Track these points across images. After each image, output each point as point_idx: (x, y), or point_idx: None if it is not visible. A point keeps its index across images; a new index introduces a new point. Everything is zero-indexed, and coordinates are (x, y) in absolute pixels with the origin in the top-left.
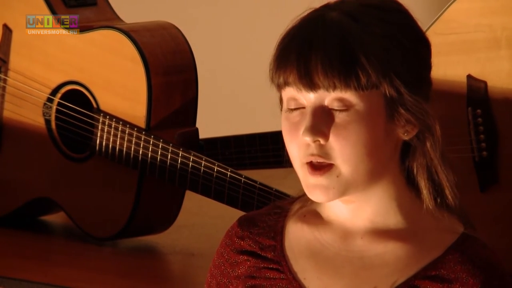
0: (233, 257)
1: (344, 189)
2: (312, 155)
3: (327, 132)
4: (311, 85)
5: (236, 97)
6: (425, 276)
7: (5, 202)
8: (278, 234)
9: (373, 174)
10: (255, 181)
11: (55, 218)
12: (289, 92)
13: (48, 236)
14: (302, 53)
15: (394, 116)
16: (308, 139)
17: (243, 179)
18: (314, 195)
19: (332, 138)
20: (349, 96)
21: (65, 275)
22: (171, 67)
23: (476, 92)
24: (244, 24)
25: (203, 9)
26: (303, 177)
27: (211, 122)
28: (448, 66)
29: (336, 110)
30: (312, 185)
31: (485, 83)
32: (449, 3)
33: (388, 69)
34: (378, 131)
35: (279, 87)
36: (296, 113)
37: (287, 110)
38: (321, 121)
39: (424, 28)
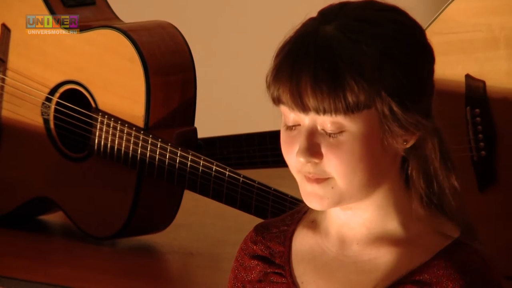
0: (247, 261)
1: (338, 200)
2: (309, 173)
3: (321, 152)
4: (303, 107)
5: (234, 96)
6: (409, 281)
7: (3, 202)
8: (287, 240)
9: (369, 186)
10: (254, 181)
11: (54, 218)
12: (285, 109)
13: (47, 236)
14: (293, 74)
15: (389, 132)
16: (302, 160)
17: (241, 179)
18: (310, 202)
19: (326, 157)
20: (340, 119)
21: (64, 274)
22: (169, 66)
23: (474, 91)
24: (243, 23)
25: (201, 8)
26: (300, 184)
27: (210, 122)
28: (446, 66)
29: (329, 132)
30: (308, 193)
31: (483, 82)
32: (447, 3)
33: (380, 88)
34: (374, 147)
35: (274, 102)
36: (293, 128)
37: (285, 125)
38: (315, 142)
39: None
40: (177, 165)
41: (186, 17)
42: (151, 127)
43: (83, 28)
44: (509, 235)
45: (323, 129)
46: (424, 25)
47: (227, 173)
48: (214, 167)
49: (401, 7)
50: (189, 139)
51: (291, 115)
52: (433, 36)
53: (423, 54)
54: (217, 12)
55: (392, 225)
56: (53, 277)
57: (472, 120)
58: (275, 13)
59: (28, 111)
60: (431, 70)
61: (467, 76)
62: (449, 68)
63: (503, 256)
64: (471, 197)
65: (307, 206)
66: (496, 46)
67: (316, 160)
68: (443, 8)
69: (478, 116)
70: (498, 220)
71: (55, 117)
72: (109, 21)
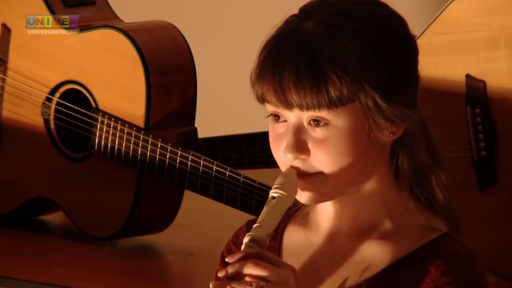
0: None
1: (327, 194)
2: (298, 168)
3: (308, 148)
4: (287, 104)
5: (235, 96)
6: (394, 269)
7: (3, 202)
8: (278, 235)
9: (358, 179)
10: (254, 181)
11: (54, 218)
12: (270, 108)
13: (47, 236)
14: (276, 71)
15: (375, 124)
16: (290, 156)
17: (242, 179)
18: (300, 197)
19: (313, 153)
20: (324, 114)
21: (64, 274)
22: (170, 66)
23: (475, 91)
24: (243, 23)
25: (201, 8)
26: None
27: (210, 122)
28: (447, 66)
29: (315, 126)
30: (299, 187)
31: (484, 82)
32: (448, 3)
33: (362, 82)
34: (360, 140)
35: (259, 101)
36: (280, 125)
37: (271, 122)
38: (302, 138)
39: (423, 28)
40: (177, 165)
41: (186, 17)
42: (151, 127)
43: (83, 28)
44: (509, 235)
45: (309, 124)
46: (424, 25)
47: (227, 173)
48: (214, 167)
49: (402, 7)
50: (189, 139)
51: (277, 113)
52: (434, 36)
53: (405, 45)
54: (217, 12)
55: (381, 217)
56: (53, 277)
57: (472, 120)
58: (275, 13)
59: (28, 111)
60: (414, 62)
61: (468, 76)
62: (449, 68)
63: (503, 256)
64: (472, 197)
65: (299, 204)
66: (497, 46)
67: (304, 156)
68: (444, 8)
69: (478, 116)
70: (498, 220)
71: (55, 117)
72: (109, 21)
